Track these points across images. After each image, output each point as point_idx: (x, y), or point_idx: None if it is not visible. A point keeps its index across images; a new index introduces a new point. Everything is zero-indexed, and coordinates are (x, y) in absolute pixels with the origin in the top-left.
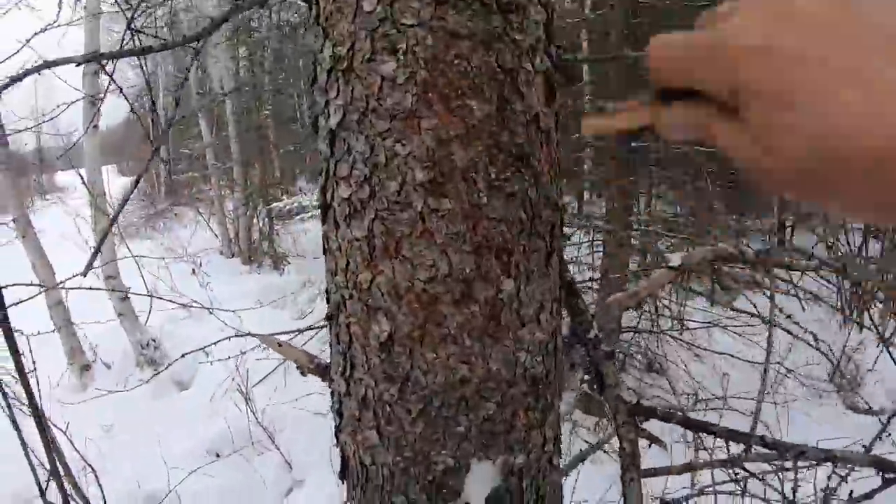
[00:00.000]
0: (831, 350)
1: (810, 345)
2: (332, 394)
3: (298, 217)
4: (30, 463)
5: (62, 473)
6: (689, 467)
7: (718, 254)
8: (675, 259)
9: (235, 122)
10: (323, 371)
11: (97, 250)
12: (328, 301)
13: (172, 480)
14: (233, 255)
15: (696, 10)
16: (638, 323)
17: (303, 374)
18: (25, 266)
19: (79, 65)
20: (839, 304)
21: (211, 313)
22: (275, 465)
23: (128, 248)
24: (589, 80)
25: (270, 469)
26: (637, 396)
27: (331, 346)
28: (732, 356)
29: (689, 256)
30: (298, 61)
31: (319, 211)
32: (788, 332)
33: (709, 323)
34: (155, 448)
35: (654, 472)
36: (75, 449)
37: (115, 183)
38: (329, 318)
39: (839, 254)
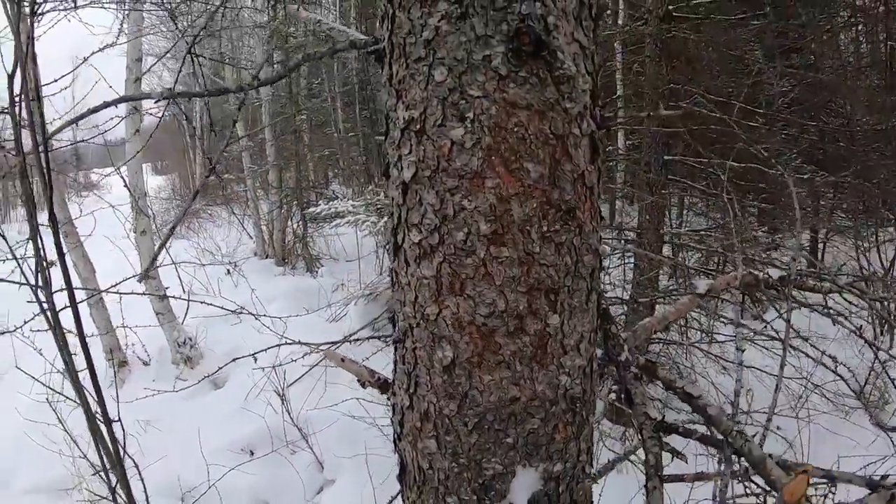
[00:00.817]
0: (851, 372)
1: (830, 369)
2: (394, 407)
3: (334, 224)
4: (104, 468)
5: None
6: (701, 476)
7: (744, 280)
8: (702, 286)
9: (271, 126)
10: (383, 385)
11: (152, 262)
12: (393, 327)
13: (206, 476)
14: (266, 256)
15: (728, 25)
16: (667, 334)
17: (363, 386)
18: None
19: (157, 102)
20: (870, 320)
21: (257, 319)
22: (307, 465)
23: (165, 249)
24: (622, 93)
25: (303, 468)
26: (662, 414)
27: (395, 365)
28: (760, 370)
29: (716, 283)
30: (334, 66)
31: (391, 248)
32: (806, 354)
33: (737, 336)
34: (188, 444)
35: (668, 479)
36: (119, 445)
37: (150, 182)
38: (396, 341)
39: (866, 273)
